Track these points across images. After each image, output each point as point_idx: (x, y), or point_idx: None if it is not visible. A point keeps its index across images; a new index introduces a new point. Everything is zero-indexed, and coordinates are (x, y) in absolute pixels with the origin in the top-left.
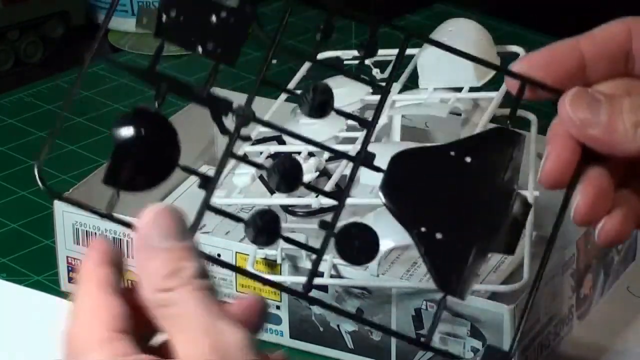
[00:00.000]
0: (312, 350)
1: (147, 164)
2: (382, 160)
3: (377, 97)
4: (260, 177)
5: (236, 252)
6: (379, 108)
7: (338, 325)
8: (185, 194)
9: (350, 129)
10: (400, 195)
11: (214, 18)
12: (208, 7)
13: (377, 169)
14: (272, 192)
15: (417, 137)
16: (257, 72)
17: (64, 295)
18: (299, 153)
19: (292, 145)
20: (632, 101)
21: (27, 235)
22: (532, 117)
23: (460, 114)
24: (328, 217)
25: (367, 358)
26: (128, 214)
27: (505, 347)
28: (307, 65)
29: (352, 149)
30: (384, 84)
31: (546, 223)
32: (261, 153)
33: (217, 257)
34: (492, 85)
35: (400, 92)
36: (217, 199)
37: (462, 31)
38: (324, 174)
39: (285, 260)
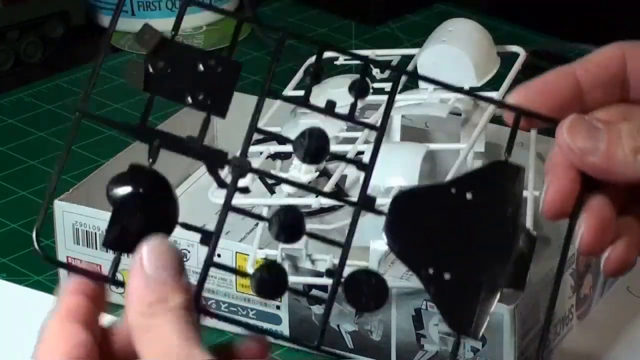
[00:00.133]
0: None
1: (148, 226)
2: (382, 159)
3: (377, 98)
4: (260, 178)
5: (236, 252)
6: (376, 147)
7: (338, 325)
8: (185, 195)
9: (350, 129)
10: (404, 237)
11: (201, 68)
12: (195, 57)
13: (378, 212)
14: (272, 192)
15: (417, 137)
16: (253, 114)
17: None
18: None
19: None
20: (630, 127)
21: (27, 235)
22: None
23: (460, 114)
24: (328, 217)
25: (367, 358)
26: None
27: (505, 348)
28: (306, 65)
29: (352, 150)
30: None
31: (546, 223)
32: (261, 153)
33: (217, 256)
34: (492, 85)
35: (401, 92)
36: (217, 199)
37: (462, 31)
38: (324, 174)
39: (285, 260)
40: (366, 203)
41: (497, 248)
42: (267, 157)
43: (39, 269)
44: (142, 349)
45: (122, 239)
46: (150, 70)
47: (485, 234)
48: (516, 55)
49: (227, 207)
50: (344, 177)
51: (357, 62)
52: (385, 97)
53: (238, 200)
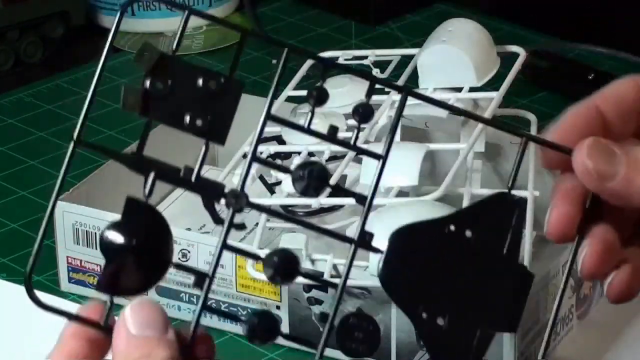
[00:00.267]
0: (312, 350)
1: (142, 270)
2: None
3: (377, 98)
4: (260, 177)
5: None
6: (377, 180)
7: None
8: (185, 195)
9: (350, 129)
10: (399, 278)
11: (201, 94)
12: (196, 76)
13: (375, 250)
14: (271, 192)
15: (417, 137)
16: (252, 143)
17: (64, 295)
18: (299, 153)
19: (292, 146)
20: None
21: (27, 235)
22: (532, 117)
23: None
24: (328, 218)
25: (367, 358)
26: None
27: (505, 348)
28: (307, 65)
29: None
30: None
31: None
32: (261, 153)
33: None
34: (492, 85)
35: None
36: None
37: (462, 31)
38: None
39: None
40: (363, 240)
41: (493, 291)
42: (267, 157)
43: (39, 269)
44: None
45: (115, 284)
46: (149, 90)
47: (482, 276)
48: (516, 55)
49: (223, 245)
50: (343, 177)
51: (357, 62)
52: (385, 97)
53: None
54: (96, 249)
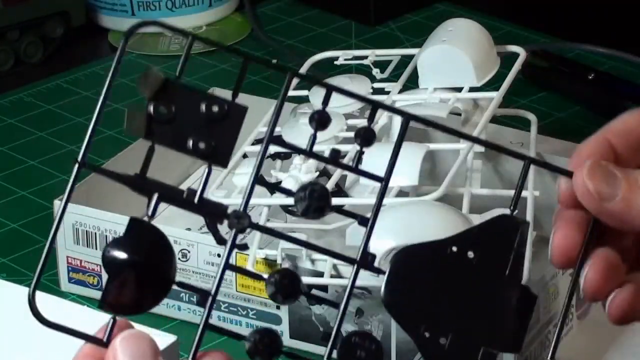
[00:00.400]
0: (312, 350)
1: (146, 287)
2: (382, 160)
3: (377, 98)
4: (260, 177)
5: (236, 252)
6: (378, 205)
7: None
8: None
9: (350, 129)
10: (402, 298)
11: (204, 118)
12: (199, 101)
13: (378, 271)
14: (272, 192)
15: (417, 137)
16: (254, 167)
17: (64, 295)
18: (299, 153)
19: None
20: None
21: (27, 235)
22: (532, 117)
23: (460, 114)
24: (328, 218)
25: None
26: (127, 213)
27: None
28: (307, 65)
29: (351, 150)
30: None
31: (546, 223)
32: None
33: (217, 256)
34: (492, 85)
35: (400, 92)
36: (217, 199)
37: (462, 31)
38: (324, 174)
39: (285, 260)
40: (365, 262)
41: (497, 311)
42: (267, 157)
43: None
44: None
45: (118, 303)
46: (152, 114)
47: (484, 296)
48: (516, 55)
49: (226, 265)
50: (344, 177)
51: (357, 62)
52: (385, 97)
53: (237, 200)
54: (96, 249)
